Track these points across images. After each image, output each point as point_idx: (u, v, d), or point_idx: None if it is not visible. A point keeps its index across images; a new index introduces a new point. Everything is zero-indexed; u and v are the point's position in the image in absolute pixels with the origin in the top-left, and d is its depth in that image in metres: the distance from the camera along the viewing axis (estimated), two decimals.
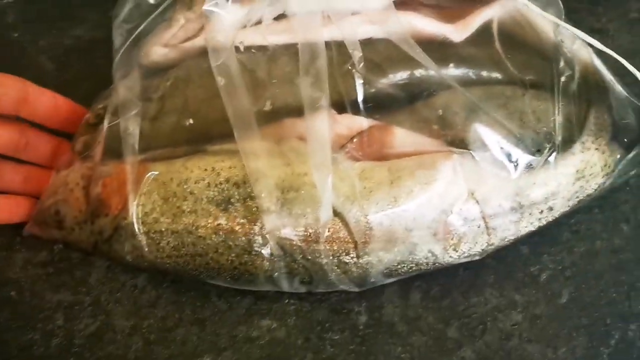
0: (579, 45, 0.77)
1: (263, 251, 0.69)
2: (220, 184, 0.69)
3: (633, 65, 0.75)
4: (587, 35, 0.75)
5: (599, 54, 0.77)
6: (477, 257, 0.73)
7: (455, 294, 0.77)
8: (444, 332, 0.75)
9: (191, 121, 0.74)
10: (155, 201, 0.70)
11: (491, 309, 0.76)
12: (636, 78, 0.75)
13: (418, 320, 0.75)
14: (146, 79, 0.76)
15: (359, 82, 0.71)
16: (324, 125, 0.69)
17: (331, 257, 0.69)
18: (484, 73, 0.75)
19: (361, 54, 0.71)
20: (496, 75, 0.75)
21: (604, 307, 0.75)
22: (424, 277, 0.75)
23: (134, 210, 0.69)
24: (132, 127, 0.72)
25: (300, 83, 0.70)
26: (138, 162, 0.71)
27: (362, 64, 0.71)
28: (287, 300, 0.76)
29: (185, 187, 0.70)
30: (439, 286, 0.77)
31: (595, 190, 0.75)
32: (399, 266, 0.71)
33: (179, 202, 0.70)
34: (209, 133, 0.73)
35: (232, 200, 0.69)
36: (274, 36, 0.74)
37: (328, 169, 0.67)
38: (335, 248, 0.69)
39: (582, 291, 0.76)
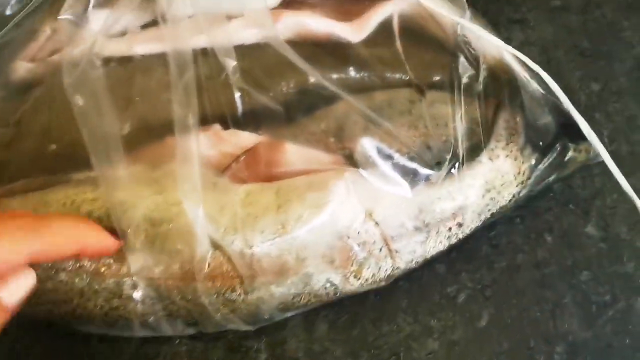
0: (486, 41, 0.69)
1: (134, 294, 0.60)
2: None
3: (555, 59, 0.69)
4: (485, 32, 0.67)
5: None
6: (383, 283, 0.65)
7: (364, 323, 0.68)
8: None
9: (54, 146, 0.65)
10: None
11: (404, 337, 0.68)
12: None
13: (324, 354, 0.67)
14: (8, 101, 0.67)
15: (237, 95, 0.63)
16: (192, 146, 0.60)
17: (214, 296, 0.60)
18: (388, 75, 0.68)
19: (235, 63, 0.63)
20: (400, 76, 0.68)
21: (526, 327, 0.68)
22: (331, 305, 0.67)
23: None
24: None
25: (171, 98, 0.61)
26: None
27: (237, 74, 0.63)
28: (178, 341, 0.67)
29: None
30: (346, 315, 0.69)
31: (510, 201, 0.67)
32: (295, 300, 0.63)
33: None
34: (76, 159, 0.63)
35: None
36: (141, 45, 0.65)
37: (198, 199, 0.58)
38: (218, 285, 0.60)
39: (503, 311, 0.69)
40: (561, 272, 0.70)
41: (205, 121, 0.62)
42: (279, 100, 0.65)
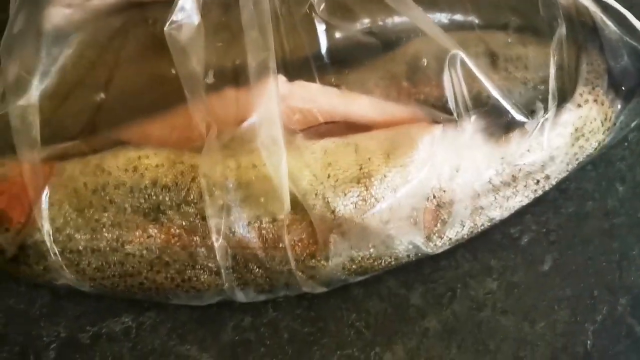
0: None
1: (209, 264, 0.51)
2: (146, 188, 0.51)
3: (638, 5, 0.59)
4: None
5: None
6: (463, 241, 0.57)
7: None
8: (406, 298, 0.60)
9: (102, 95, 0.55)
10: (68, 213, 0.51)
11: (462, 274, 0.61)
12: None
13: (377, 284, 0.60)
14: (45, 49, 0.55)
15: (320, 29, 0.53)
16: (272, 97, 0.50)
17: (294, 263, 0.52)
18: (458, 17, 0.59)
19: None
20: (472, 18, 0.59)
21: (591, 277, 0.61)
22: None
23: (44, 227, 0.51)
24: (27, 113, 0.52)
25: (244, 39, 0.51)
26: (41, 161, 0.51)
27: (323, 5, 0.52)
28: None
29: (102, 194, 0.51)
30: None
31: (596, 149, 0.59)
32: (375, 263, 0.55)
33: (97, 213, 0.51)
34: (127, 107, 0.54)
35: (162, 207, 0.51)
36: None
37: (281, 156, 0.49)
38: (298, 252, 0.52)
39: (568, 258, 0.62)
40: (631, 224, 0.63)
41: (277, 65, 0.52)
42: (358, 37, 0.55)
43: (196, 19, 0.50)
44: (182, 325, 0.59)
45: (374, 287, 0.60)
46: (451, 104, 0.53)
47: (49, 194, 0.51)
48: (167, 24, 0.49)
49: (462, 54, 0.52)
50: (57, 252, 0.51)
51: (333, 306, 0.60)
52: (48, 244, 0.51)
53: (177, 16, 0.50)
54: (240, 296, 0.53)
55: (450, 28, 0.58)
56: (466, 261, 0.62)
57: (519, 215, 0.61)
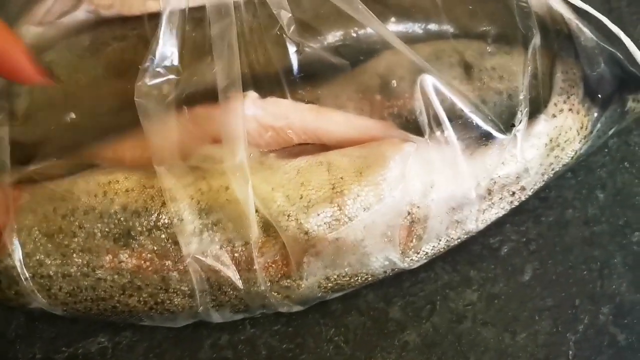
0: None
1: (183, 287, 0.50)
2: (116, 213, 0.49)
3: (617, 9, 0.59)
4: None
5: None
6: (440, 254, 0.56)
7: None
8: (385, 312, 0.59)
9: (72, 115, 0.53)
10: (37, 239, 0.50)
11: (441, 286, 0.60)
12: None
13: (356, 298, 0.59)
14: None
15: (292, 50, 0.52)
16: (239, 119, 0.49)
17: (268, 284, 0.51)
18: (433, 26, 0.57)
19: (290, 15, 0.51)
20: (446, 27, 0.57)
21: (572, 286, 0.60)
22: None
23: (14, 252, 0.50)
24: None
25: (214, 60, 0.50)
26: (10, 184, 0.50)
27: (292, 27, 0.51)
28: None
29: (71, 219, 0.49)
30: None
31: (572, 158, 0.58)
32: (351, 280, 0.54)
33: (66, 239, 0.49)
34: (98, 127, 0.53)
35: (132, 232, 0.49)
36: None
37: (246, 177, 0.48)
38: (272, 273, 0.51)
39: (548, 267, 0.61)
40: (612, 232, 0.62)
41: (249, 81, 0.51)
42: (329, 53, 0.54)
43: (176, 60, 0.50)
44: (159, 345, 0.58)
45: (352, 301, 0.59)
46: (422, 125, 0.52)
47: (18, 219, 0.50)
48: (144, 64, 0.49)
49: (432, 77, 0.51)
50: (28, 277, 0.50)
51: (311, 321, 0.59)
52: (19, 269, 0.50)
53: (155, 62, 0.49)
54: (216, 317, 0.53)
55: (425, 38, 0.56)
56: (445, 273, 0.61)
57: (498, 225, 0.60)
